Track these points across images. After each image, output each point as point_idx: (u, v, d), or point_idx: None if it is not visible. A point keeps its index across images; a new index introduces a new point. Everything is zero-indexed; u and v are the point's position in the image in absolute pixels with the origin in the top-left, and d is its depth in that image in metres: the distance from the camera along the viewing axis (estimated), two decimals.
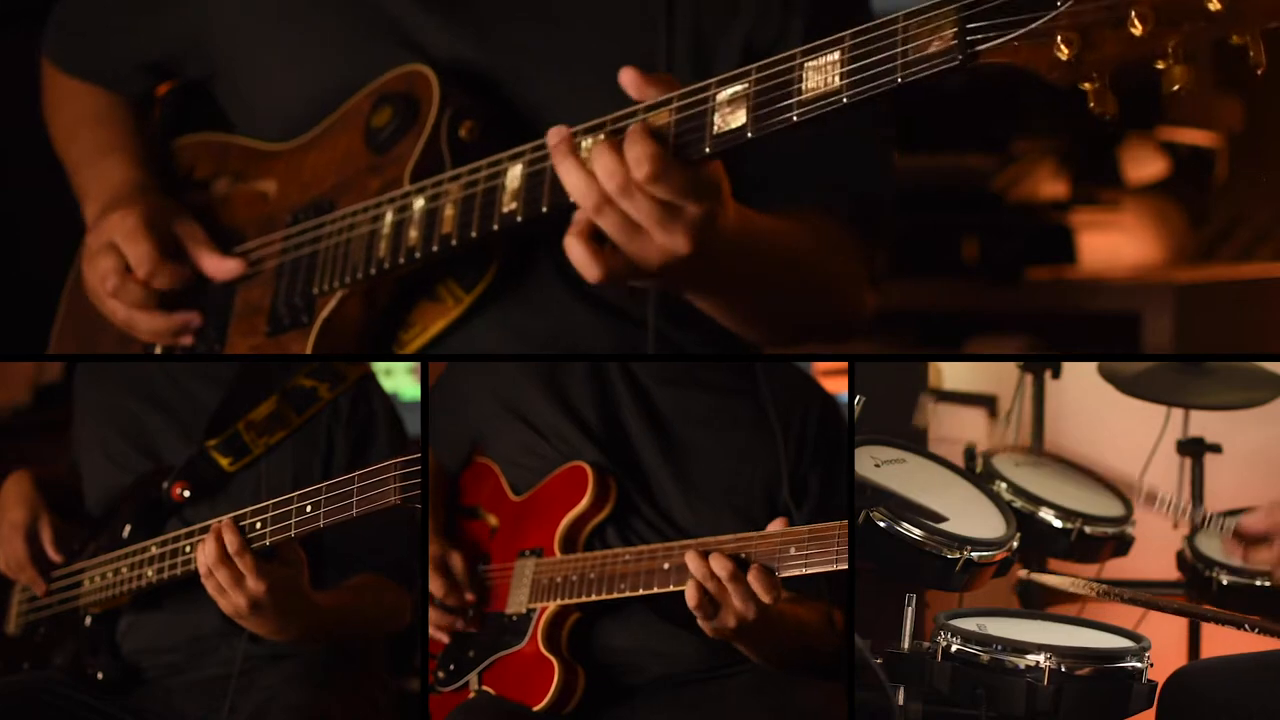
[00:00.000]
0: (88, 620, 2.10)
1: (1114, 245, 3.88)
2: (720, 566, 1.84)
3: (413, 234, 1.90)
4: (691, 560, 1.85)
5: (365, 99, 2.02)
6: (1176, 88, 1.42)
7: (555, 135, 1.73)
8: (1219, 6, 1.38)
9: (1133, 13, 1.41)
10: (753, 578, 1.83)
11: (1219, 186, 4.03)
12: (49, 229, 2.43)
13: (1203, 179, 3.99)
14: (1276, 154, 4.01)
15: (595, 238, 1.72)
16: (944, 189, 3.77)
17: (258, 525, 1.88)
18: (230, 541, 1.85)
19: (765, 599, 1.83)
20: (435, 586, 2.08)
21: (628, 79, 1.72)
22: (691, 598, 1.86)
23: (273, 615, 1.88)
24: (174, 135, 2.26)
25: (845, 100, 1.58)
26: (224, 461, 2.10)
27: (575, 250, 1.72)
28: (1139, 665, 1.99)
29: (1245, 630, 2.08)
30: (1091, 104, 1.47)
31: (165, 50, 2.19)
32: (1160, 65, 1.42)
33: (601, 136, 1.71)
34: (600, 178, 1.67)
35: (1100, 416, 2.71)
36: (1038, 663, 1.95)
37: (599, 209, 1.69)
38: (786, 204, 1.98)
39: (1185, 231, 4.02)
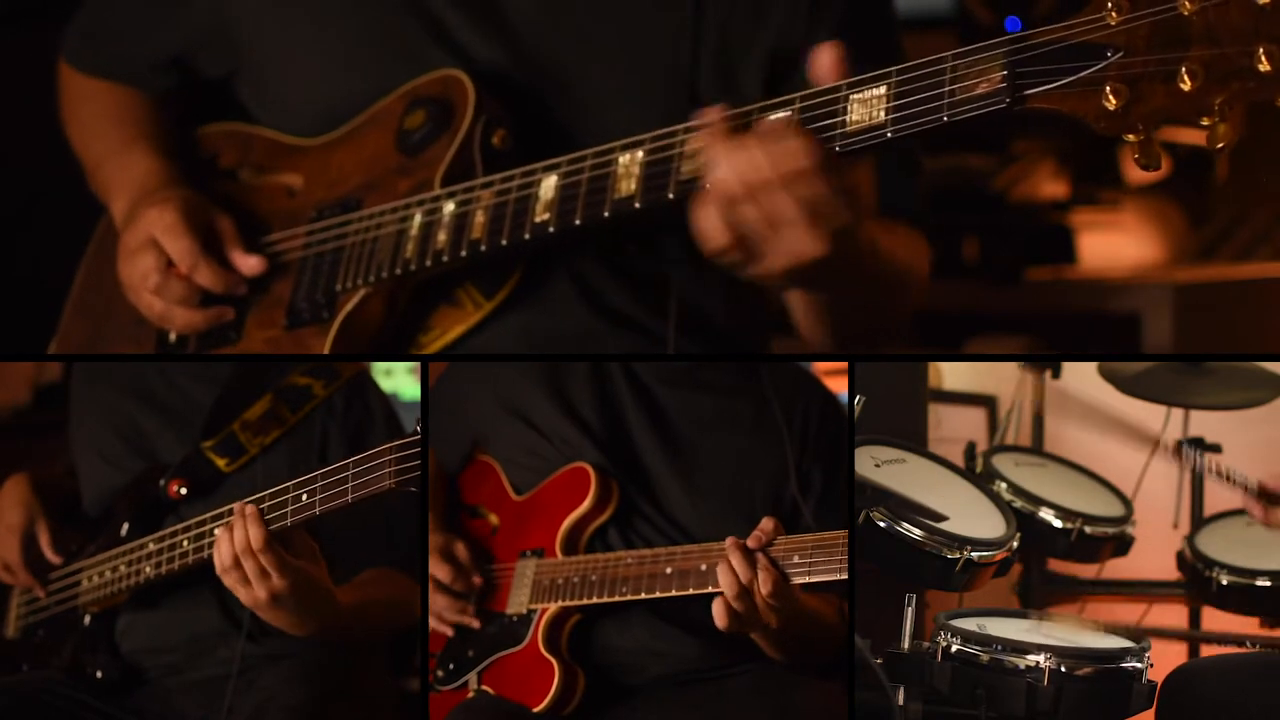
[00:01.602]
0: (86, 619, 2.10)
1: (1114, 245, 3.87)
2: (741, 570, 1.83)
3: (441, 237, 1.90)
4: (735, 559, 1.83)
5: (399, 100, 2.01)
6: (1220, 145, 1.43)
7: (713, 113, 1.66)
8: (1269, 67, 1.39)
9: (1183, 69, 1.42)
10: (761, 568, 1.84)
11: (1219, 186, 4.03)
12: (49, 229, 2.43)
13: (1203, 179, 3.99)
14: (1277, 154, 4.01)
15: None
16: (944, 189, 3.77)
17: None
18: (255, 536, 1.84)
19: (765, 590, 1.81)
20: (442, 573, 2.08)
21: (827, 58, 1.64)
22: (720, 618, 1.85)
23: (293, 609, 1.88)
24: (197, 125, 2.25)
25: (889, 135, 1.58)
26: (221, 463, 2.10)
27: (707, 216, 1.64)
28: (1139, 665, 1.99)
29: (1247, 648, 2.08)
30: (1136, 156, 1.48)
31: (186, 45, 2.18)
32: (1206, 122, 1.43)
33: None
34: (766, 163, 1.59)
35: (1100, 416, 2.71)
36: (1038, 663, 1.95)
37: (748, 197, 1.61)
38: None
39: (1185, 231, 4.02)
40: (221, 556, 1.86)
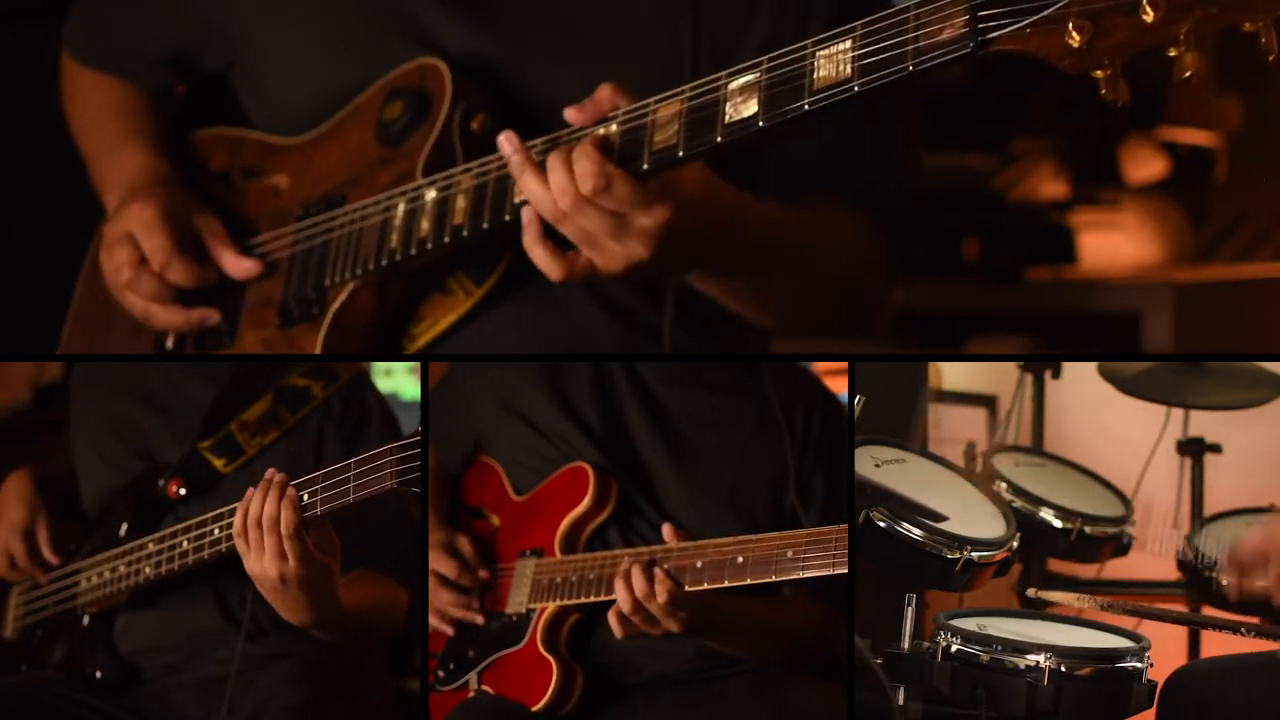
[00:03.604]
0: (85, 619, 2.10)
1: (1114, 245, 3.88)
2: (639, 584, 1.89)
3: (424, 225, 1.90)
4: (635, 575, 1.90)
5: (378, 92, 2.02)
6: (1188, 74, 1.42)
7: (509, 145, 1.77)
8: None
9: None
10: (657, 585, 1.89)
11: (1219, 186, 4.03)
12: (51, 228, 2.43)
13: (1203, 179, 4.00)
14: (1276, 154, 4.01)
15: (553, 238, 1.76)
16: (944, 189, 3.78)
17: None
18: (286, 519, 1.83)
19: (660, 600, 1.88)
20: (446, 568, 2.08)
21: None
22: (617, 630, 1.91)
23: (295, 596, 1.87)
24: (192, 128, 2.26)
25: (856, 89, 1.58)
26: (218, 463, 2.10)
27: (536, 253, 1.77)
28: (1139, 665, 1.99)
29: (1242, 635, 2.08)
30: (1103, 91, 1.47)
31: (184, 40, 2.19)
32: (1172, 52, 1.42)
33: (551, 152, 1.75)
34: (555, 193, 1.72)
35: (1100, 416, 2.71)
36: (1038, 663, 1.95)
37: (559, 219, 1.73)
38: (809, 196, 1.98)
39: (1185, 231, 4.02)
40: (246, 518, 1.85)
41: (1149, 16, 1.41)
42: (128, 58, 2.24)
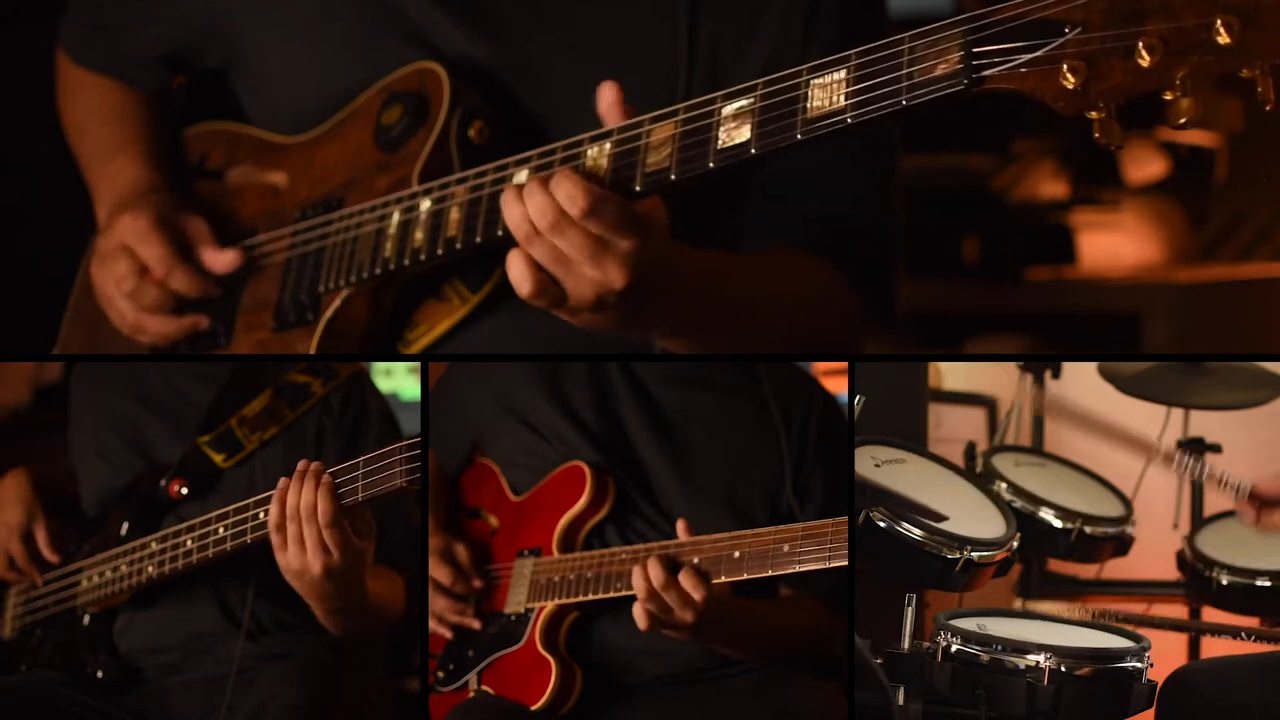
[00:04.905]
0: (86, 619, 2.10)
1: (1114, 245, 3.88)
2: (655, 573, 1.87)
3: (418, 236, 1.90)
4: (635, 577, 1.88)
5: (376, 95, 2.01)
6: (1183, 120, 1.41)
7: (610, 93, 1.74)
8: (1228, 40, 1.37)
9: (1141, 44, 1.40)
10: (684, 578, 1.86)
11: (1219, 186, 4.03)
12: (51, 228, 2.43)
13: (1203, 179, 4.00)
14: (1276, 154, 4.01)
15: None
16: (944, 189, 3.78)
17: (260, 515, 1.88)
18: (324, 510, 1.81)
19: (695, 596, 1.85)
20: (442, 575, 2.08)
21: (609, 95, 1.73)
22: (641, 620, 1.88)
23: (335, 588, 1.86)
24: (188, 123, 2.25)
25: (849, 120, 1.57)
26: (217, 458, 2.10)
27: (516, 262, 1.71)
28: (1139, 665, 1.99)
29: (1242, 639, 2.08)
30: (1096, 134, 1.46)
31: (182, 41, 2.18)
32: (1168, 96, 1.41)
33: (525, 175, 1.74)
34: (532, 215, 1.68)
35: (1100, 417, 2.71)
36: (1038, 663, 1.95)
37: (529, 239, 1.69)
38: (773, 239, 1.97)
39: (1185, 231, 4.02)
40: (283, 509, 1.83)
41: (1145, 61, 1.40)
42: (125, 58, 2.23)
